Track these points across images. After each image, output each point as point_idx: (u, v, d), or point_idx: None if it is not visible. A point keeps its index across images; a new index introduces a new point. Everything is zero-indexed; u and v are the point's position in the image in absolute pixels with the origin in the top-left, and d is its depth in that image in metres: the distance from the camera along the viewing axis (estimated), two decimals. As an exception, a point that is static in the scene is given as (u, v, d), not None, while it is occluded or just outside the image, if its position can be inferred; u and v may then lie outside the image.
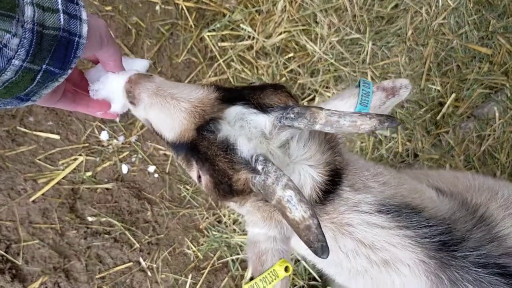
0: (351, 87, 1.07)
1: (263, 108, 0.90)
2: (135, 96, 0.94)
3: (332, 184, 0.97)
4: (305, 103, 2.41)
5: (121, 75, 0.96)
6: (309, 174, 0.93)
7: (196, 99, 0.92)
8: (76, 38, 0.71)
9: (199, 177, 0.94)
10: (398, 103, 1.14)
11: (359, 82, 1.06)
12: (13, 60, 0.63)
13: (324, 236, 0.74)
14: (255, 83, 1.00)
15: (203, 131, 0.89)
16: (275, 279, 0.90)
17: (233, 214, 2.29)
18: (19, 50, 0.63)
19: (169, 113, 0.92)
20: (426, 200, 1.07)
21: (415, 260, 0.98)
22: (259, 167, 0.83)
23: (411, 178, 1.21)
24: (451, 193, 1.19)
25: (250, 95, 0.92)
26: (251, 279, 0.92)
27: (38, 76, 0.68)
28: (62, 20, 0.67)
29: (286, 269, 0.92)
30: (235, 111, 0.90)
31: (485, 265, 0.97)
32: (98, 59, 0.91)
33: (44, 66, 0.68)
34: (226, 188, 0.89)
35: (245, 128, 0.88)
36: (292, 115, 0.87)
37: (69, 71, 0.73)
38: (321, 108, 0.85)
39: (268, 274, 0.91)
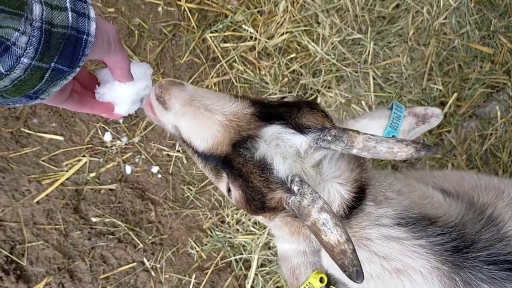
0: (383, 108, 1.07)
1: (300, 129, 0.90)
2: (165, 102, 0.93)
3: (358, 199, 0.98)
4: (307, 103, 2.42)
5: (128, 85, 0.96)
6: (338, 192, 0.95)
7: (230, 113, 0.92)
8: (85, 36, 0.71)
9: (229, 190, 0.94)
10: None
11: (392, 104, 1.06)
12: (22, 58, 0.63)
13: (359, 261, 0.75)
14: (288, 98, 1.00)
15: (240, 148, 0.89)
16: None
17: (236, 214, 2.30)
18: (27, 48, 0.63)
19: (202, 124, 0.91)
20: (436, 205, 1.08)
21: (428, 267, 0.99)
22: (295, 188, 0.84)
23: (417, 181, 1.22)
24: (457, 194, 1.20)
25: (287, 114, 0.91)
26: None
27: (47, 74, 0.68)
28: (70, 18, 0.68)
29: (321, 280, 0.93)
30: (272, 130, 0.90)
31: (496, 262, 0.99)
32: (107, 65, 0.91)
33: (52, 64, 0.68)
34: (258, 204, 0.90)
35: (281, 146, 0.88)
36: (329, 138, 0.87)
37: (78, 69, 0.73)
38: (358, 132, 0.85)
39: (305, 287, 0.93)
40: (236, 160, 0.89)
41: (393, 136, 0.99)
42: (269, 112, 0.93)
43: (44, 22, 0.64)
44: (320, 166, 0.93)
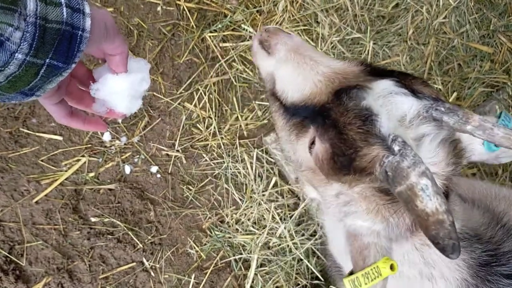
0: (491, 116, 0.99)
1: (414, 93, 0.83)
2: (270, 46, 0.90)
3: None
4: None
5: (121, 77, 0.94)
6: None
7: (337, 67, 0.88)
8: (80, 32, 0.70)
9: (312, 143, 0.88)
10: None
11: (501, 113, 0.97)
12: (16, 54, 0.62)
13: (457, 235, 0.67)
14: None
15: (343, 96, 0.83)
16: (377, 276, 0.81)
17: (236, 214, 2.30)
18: (21, 44, 0.62)
19: (303, 73, 0.88)
20: (471, 217, 1.04)
21: (457, 278, 0.95)
22: (396, 148, 0.77)
23: None
24: (473, 201, 1.17)
25: (401, 76, 0.86)
26: (351, 273, 0.84)
27: (42, 70, 0.67)
28: (65, 13, 0.67)
29: (392, 267, 0.82)
30: (384, 85, 0.84)
31: (510, 276, 0.97)
32: (104, 53, 0.90)
33: (47, 60, 0.67)
34: (346, 161, 0.81)
35: (387, 105, 0.81)
36: (443, 108, 0.81)
37: (73, 65, 0.72)
38: (473, 112, 0.79)
39: (372, 270, 0.82)
40: (335, 109, 0.82)
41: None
42: (381, 71, 0.87)
43: (38, 18, 0.63)
44: (420, 143, 0.83)
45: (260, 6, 2.49)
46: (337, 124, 0.81)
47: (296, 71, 0.89)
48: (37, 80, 0.68)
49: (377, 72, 0.88)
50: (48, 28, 0.65)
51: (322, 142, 0.84)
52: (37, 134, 2.32)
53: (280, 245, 2.24)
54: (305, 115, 0.89)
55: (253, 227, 2.27)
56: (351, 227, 0.92)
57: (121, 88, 0.94)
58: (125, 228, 2.25)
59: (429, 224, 0.68)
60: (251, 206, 2.29)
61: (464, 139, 0.94)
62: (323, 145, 0.84)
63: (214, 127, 2.38)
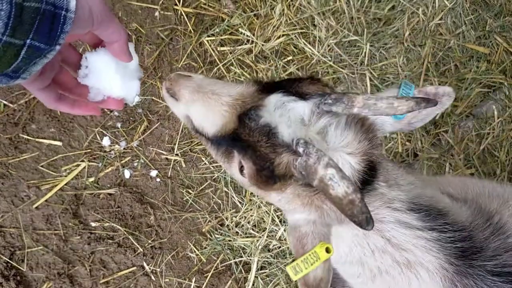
0: (393, 88, 1.04)
1: (302, 96, 0.93)
2: (175, 93, 0.98)
3: (369, 176, 0.97)
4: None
5: (102, 56, 0.90)
6: (347, 161, 0.94)
7: (236, 93, 0.96)
8: (63, 12, 0.66)
9: (241, 167, 0.96)
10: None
11: (401, 83, 1.03)
12: None
13: (368, 208, 0.76)
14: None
15: (245, 119, 0.92)
16: (316, 260, 0.90)
17: (235, 217, 2.31)
18: None
19: (210, 108, 0.96)
20: (447, 204, 1.08)
21: (435, 264, 0.98)
22: (300, 149, 0.86)
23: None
24: (465, 200, 1.20)
25: (289, 84, 0.95)
26: (293, 260, 0.93)
27: (23, 52, 0.65)
28: None
29: (327, 250, 0.92)
30: (275, 98, 0.93)
31: (500, 274, 0.98)
32: (92, 38, 0.86)
33: (28, 41, 0.64)
34: (268, 173, 0.91)
35: (285, 115, 0.91)
36: (330, 101, 0.90)
37: (58, 47, 0.69)
38: (358, 93, 0.87)
39: (310, 255, 0.91)
40: (244, 132, 0.92)
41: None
42: (272, 85, 0.97)
43: None
44: (325, 134, 0.93)
45: (257, 10, 2.51)
46: (250, 144, 0.91)
47: (204, 108, 0.98)
48: (19, 61, 0.66)
49: (269, 88, 0.97)
50: (25, 7, 0.62)
51: (246, 163, 0.94)
52: (36, 139, 2.33)
53: (280, 247, 2.25)
54: (226, 143, 0.98)
55: (253, 229, 2.28)
56: (292, 222, 1.03)
57: (108, 69, 0.91)
58: (125, 233, 2.26)
59: (343, 206, 0.78)
60: (251, 209, 2.29)
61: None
62: (247, 165, 0.94)
63: (213, 131, 2.39)
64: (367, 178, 0.96)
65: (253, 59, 2.49)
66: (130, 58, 0.91)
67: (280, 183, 0.94)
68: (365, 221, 0.76)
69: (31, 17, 0.63)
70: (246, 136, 0.91)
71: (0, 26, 0.60)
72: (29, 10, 0.62)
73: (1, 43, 0.61)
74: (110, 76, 0.92)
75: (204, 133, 1.01)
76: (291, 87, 0.95)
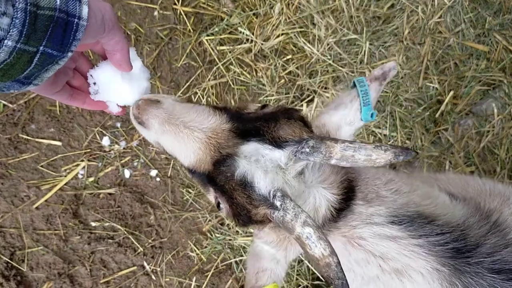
0: (347, 90, 1.08)
1: (277, 143, 0.90)
2: (143, 122, 0.93)
3: (346, 199, 0.99)
4: (304, 104, 2.43)
5: (106, 69, 0.92)
6: (324, 196, 0.95)
7: (209, 129, 0.92)
8: (76, 20, 0.68)
9: (218, 203, 0.95)
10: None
11: (353, 83, 1.07)
12: (6, 41, 0.61)
13: (343, 274, 0.77)
14: (268, 106, 1.00)
15: (221, 167, 0.89)
16: None
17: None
18: (10, 31, 0.60)
19: (183, 142, 0.92)
20: (439, 206, 1.08)
21: (428, 268, 0.98)
22: (277, 203, 0.86)
23: (422, 182, 1.21)
24: (463, 198, 1.20)
25: (264, 129, 0.91)
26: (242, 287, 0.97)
27: (36, 58, 0.66)
28: (58, 0, 0.65)
29: None
30: (250, 147, 0.89)
31: (500, 271, 0.98)
32: (104, 49, 0.87)
33: (41, 48, 0.65)
34: (245, 219, 0.91)
35: (261, 162, 0.89)
36: (307, 150, 0.88)
37: (70, 54, 0.71)
38: (336, 141, 0.86)
39: None
40: (219, 178, 0.90)
41: (372, 116, 1.03)
42: (246, 128, 0.92)
43: (28, 4, 0.61)
44: (302, 175, 0.93)
45: (257, 9, 2.51)
46: (226, 190, 0.90)
47: (175, 141, 0.93)
48: (32, 68, 0.67)
49: (244, 130, 0.92)
50: (39, 15, 0.63)
51: (223, 203, 0.93)
52: (36, 140, 2.33)
53: (280, 246, 2.24)
54: (201, 178, 0.96)
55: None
56: (257, 248, 1.05)
57: (114, 80, 0.92)
58: (125, 232, 2.26)
59: (320, 268, 0.79)
60: (251, 208, 2.29)
61: (346, 120, 1.08)
62: (224, 206, 0.93)
63: (213, 130, 2.38)
64: (343, 203, 0.99)
65: (253, 58, 2.49)
66: (131, 67, 0.91)
67: (258, 226, 0.96)
68: (340, 287, 0.77)
69: (44, 25, 0.64)
70: (222, 182, 0.89)
71: (14, 34, 0.61)
72: (43, 18, 0.63)
73: (15, 50, 0.62)
74: (118, 86, 0.94)
75: (179, 160, 0.98)
76: (267, 131, 0.90)
